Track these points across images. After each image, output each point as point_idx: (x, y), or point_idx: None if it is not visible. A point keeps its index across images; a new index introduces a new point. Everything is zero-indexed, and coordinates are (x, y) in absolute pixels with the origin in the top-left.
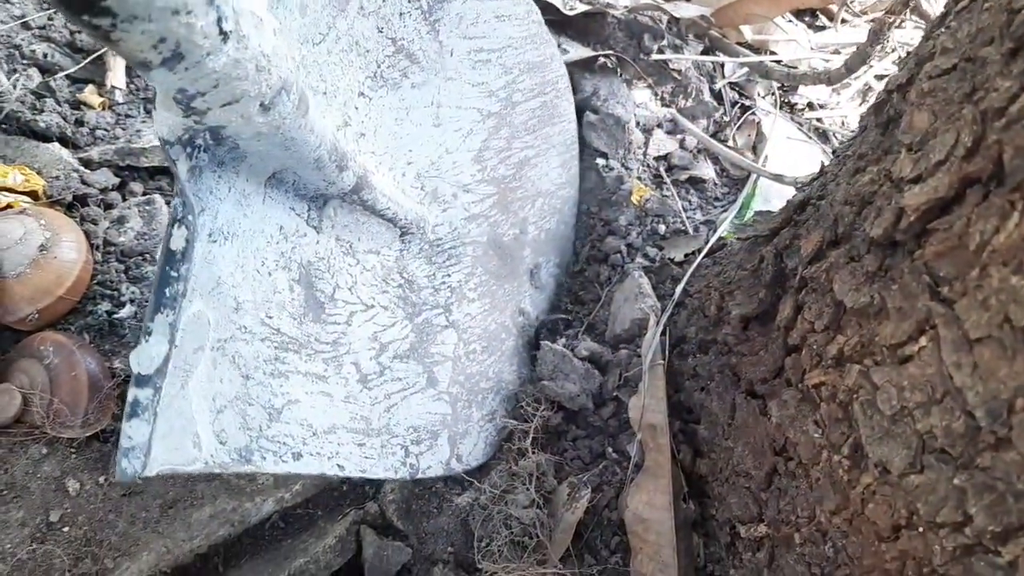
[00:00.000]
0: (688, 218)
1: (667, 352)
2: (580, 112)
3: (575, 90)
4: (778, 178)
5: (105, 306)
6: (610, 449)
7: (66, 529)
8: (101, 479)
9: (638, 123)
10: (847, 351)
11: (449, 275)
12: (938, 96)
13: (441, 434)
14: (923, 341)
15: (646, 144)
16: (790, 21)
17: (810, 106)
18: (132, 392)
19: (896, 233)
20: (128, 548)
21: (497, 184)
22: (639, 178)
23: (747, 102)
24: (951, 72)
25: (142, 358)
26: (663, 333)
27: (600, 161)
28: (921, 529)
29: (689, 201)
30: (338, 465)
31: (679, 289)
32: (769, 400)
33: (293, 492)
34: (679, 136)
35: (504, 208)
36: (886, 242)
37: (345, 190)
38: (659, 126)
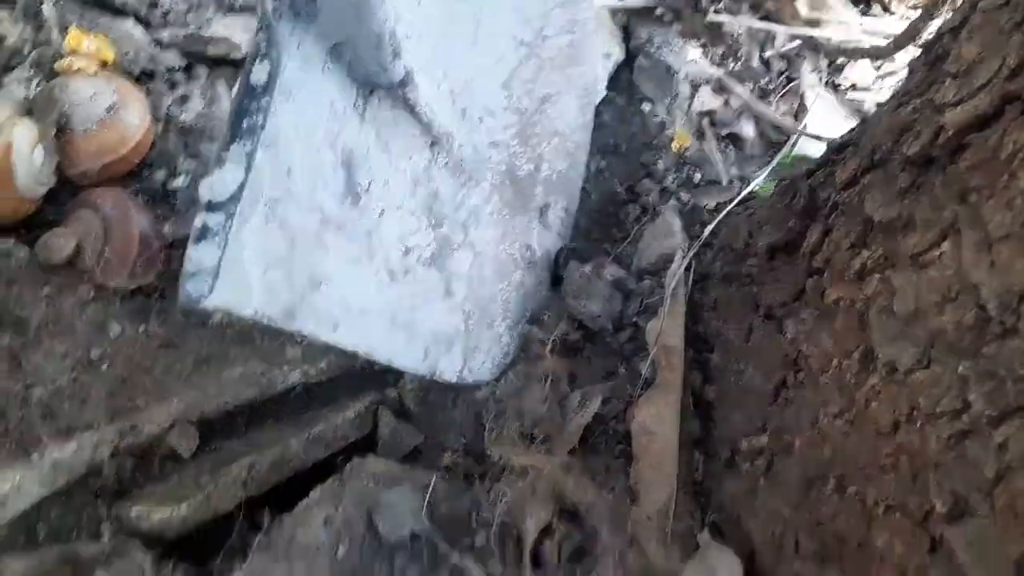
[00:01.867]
0: (724, 171)
1: (690, 285)
2: (632, 57)
3: (630, 36)
4: (818, 138)
5: (161, 174)
6: (623, 369)
7: (104, 367)
8: (141, 328)
9: (687, 77)
10: (869, 264)
11: (470, 195)
12: (988, 28)
13: (456, 343)
14: (945, 246)
15: (692, 98)
16: (845, 4)
17: (853, 87)
18: (201, 219)
19: (933, 149)
20: (160, 393)
21: (520, 115)
22: (682, 127)
23: (793, 74)
24: (1004, 6)
25: (215, 185)
26: (688, 268)
27: (646, 106)
28: (919, 422)
29: (727, 155)
30: (369, 346)
31: (708, 228)
32: (786, 320)
33: (319, 368)
34: (724, 96)
35: (524, 141)
36: (921, 160)
37: (394, 81)
38: (707, 83)
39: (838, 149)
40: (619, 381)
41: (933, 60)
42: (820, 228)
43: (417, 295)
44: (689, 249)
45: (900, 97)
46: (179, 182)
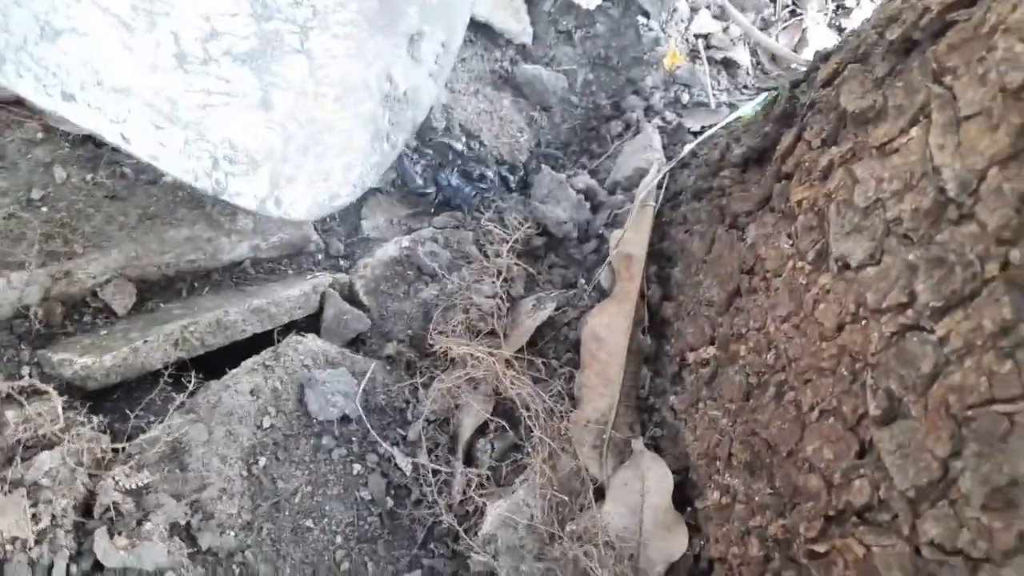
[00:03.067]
0: (713, 95)
1: (660, 202)
2: None
3: None
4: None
5: None
6: (583, 280)
7: (44, 209)
8: (88, 176)
9: None
10: (837, 160)
11: None
12: None
13: (263, 165)
14: (914, 132)
15: (691, 20)
16: None
17: None
18: None
19: (915, 32)
20: (100, 242)
21: None
22: (676, 47)
23: (798, 8)
24: None
25: None
26: (662, 186)
27: (641, 19)
28: (864, 321)
29: (718, 81)
30: (122, 135)
31: (688, 147)
32: (748, 226)
33: (270, 243)
34: (725, 23)
35: None
36: (902, 46)
37: None
38: (707, 7)
39: (825, 57)
40: (578, 290)
41: None
42: (794, 132)
43: (216, 93)
44: (667, 164)
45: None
46: None
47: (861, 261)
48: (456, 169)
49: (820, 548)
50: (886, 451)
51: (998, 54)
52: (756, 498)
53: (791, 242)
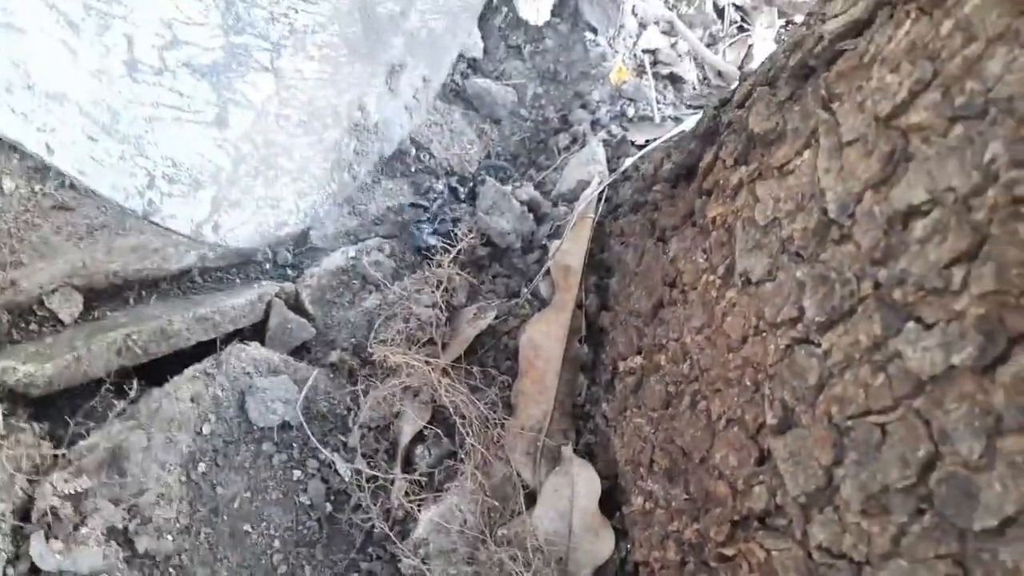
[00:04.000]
0: (659, 109)
1: (600, 213)
2: None
3: None
4: None
5: None
6: (525, 289)
7: None
8: (37, 187)
9: (635, 13)
10: (744, 179)
11: (296, 11)
12: None
13: (206, 187)
14: (806, 155)
15: (639, 36)
16: None
17: None
18: None
19: (811, 59)
20: (47, 252)
21: None
22: (623, 62)
23: (746, 25)
24: None
25: None
26: (605, 200)
27: (588, 35)
28: (763, 333)
29: (664, 96)
30: (47, 144)
31: (628, 161)
32: (671, 240)
33: (217, 253)
34: (673, 39)
35: None
36: (801, 71)
37: None
38: (656, 23)
39: (745, 78)
40: (520, 300)
41: None
42: (713, 150)
43: (165, 107)
44: (610, 177)
45: (804, 19)
46: None
47: (761, 277)
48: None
49: (728, 552)
50: (781, 459)
51: (873, 83)
52: (673, 503)
53: (705, 256)
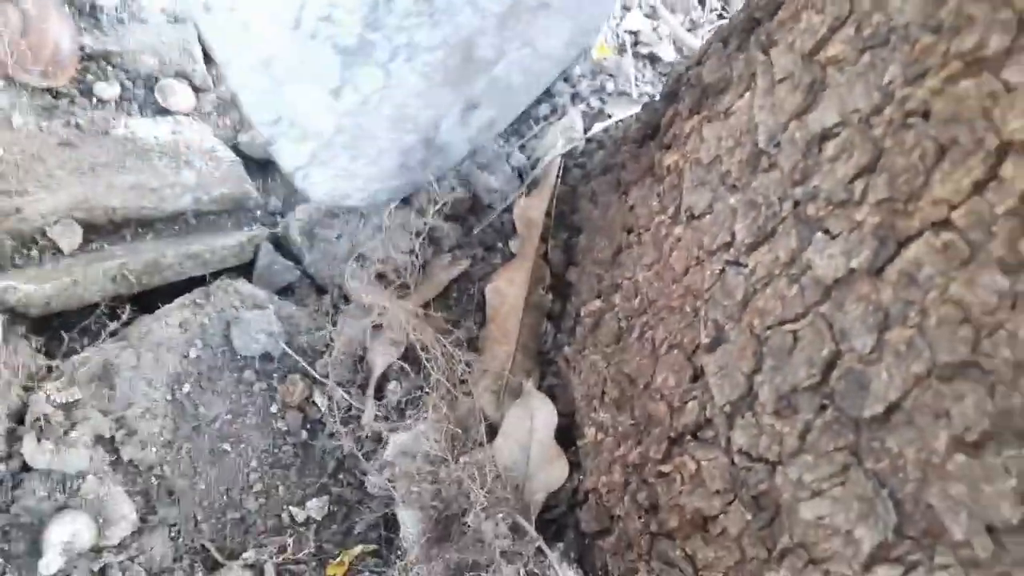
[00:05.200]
0: (636, 86)
1: (573, 179)
2: None
3: None
4: None
5: None
6: (500, 243)
7: (0, 151)
8: (44, 124)
9: None
10: (696, 125)
11: (420, 29)
12: None
13: (310, 141)
14: (746, 96)
15: (622, 18)
16: None
17: None
18: None
19: (757, 12)
20: (50, 184)
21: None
22: (605, 40)
23: (725, 13)
24: None
25: None
26: (579, 167)
27: None
28: (703, 262)
29: (643, 74)
30: (228, 65)
31: (599, 126)
32: (631, 190)
33: (211, 196)
34: (655, 23)
35: (501, 24)
36: (748, 25)
37: None
38: (639, 7)
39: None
40: (493, 253)
41: None
42: (675, 106)
43: (306, 65)
44: (573, 142)
45: None
46: (107, 0)
47: (702, 210)
48: None
49: (665, 468)
50: (711, 373)
51: (802, 25)
52: (620, 430)
53: (659, 200)
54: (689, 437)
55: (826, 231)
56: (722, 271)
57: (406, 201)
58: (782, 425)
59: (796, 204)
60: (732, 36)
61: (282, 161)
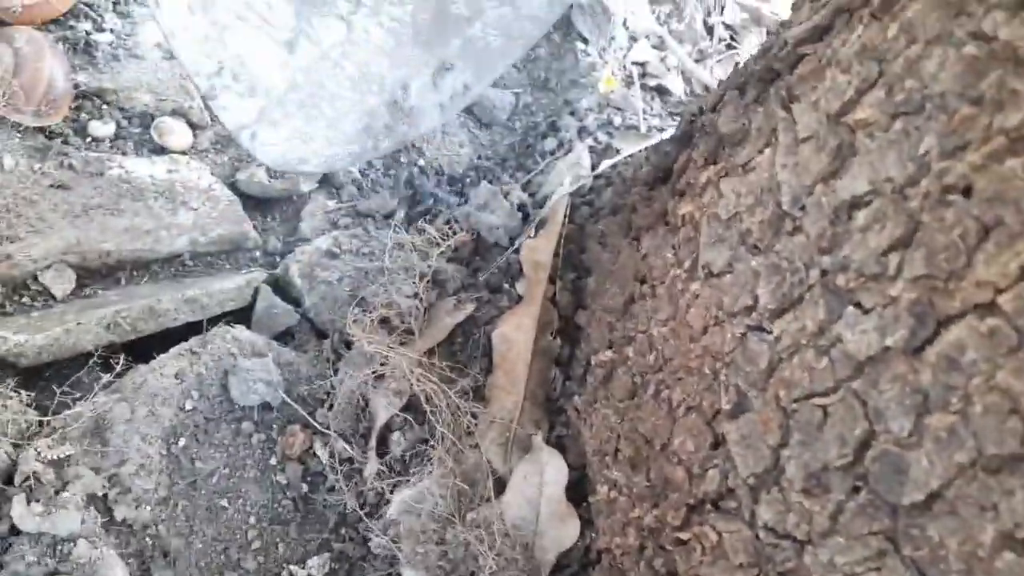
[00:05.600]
0: (645, 120)
1: (581, 217)
2: None
3: None
4: None
5: (87, 26)
6: (507, 285)
7: None
8: (36, 166)
9: (627, 27)
10: (712, 177)
11: None
12: None
13: (258, 97)
14: (766, 152)
15: (629, 48)
16: None
17: None
18: None
19: (776, 63)
20: (42, 228)
21: None
22: (613, 73)
23: (734, 43)
24: None
25: None
26: (588, 204)
27: (580, 44)
28: (722, 323)
29: (651, 106)
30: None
31: (606, 163)
32: (643, 237)
33: (208, 238)
34: (662, 53)
35: None
36: (767, 76)
37: None
38: (647, 37)
39: (721, 83)
40: (499, 295)
41: None
42: (687, 152)
43: (254, 13)
44: (580, 180)
45: (776, 27)
46: (103, 37)
47: (721, 268)
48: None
49: (683, 536)
50: (733, 442)
51: (827, 83)
52: (635, 491)
53: (674, 252)
54: (710, 506)
55: (858, 305)
56: (744, 335)
57: (424, 214)
58: (812, 504)
59: (824, 272)
60: (748, 85)
61: (225, 118)
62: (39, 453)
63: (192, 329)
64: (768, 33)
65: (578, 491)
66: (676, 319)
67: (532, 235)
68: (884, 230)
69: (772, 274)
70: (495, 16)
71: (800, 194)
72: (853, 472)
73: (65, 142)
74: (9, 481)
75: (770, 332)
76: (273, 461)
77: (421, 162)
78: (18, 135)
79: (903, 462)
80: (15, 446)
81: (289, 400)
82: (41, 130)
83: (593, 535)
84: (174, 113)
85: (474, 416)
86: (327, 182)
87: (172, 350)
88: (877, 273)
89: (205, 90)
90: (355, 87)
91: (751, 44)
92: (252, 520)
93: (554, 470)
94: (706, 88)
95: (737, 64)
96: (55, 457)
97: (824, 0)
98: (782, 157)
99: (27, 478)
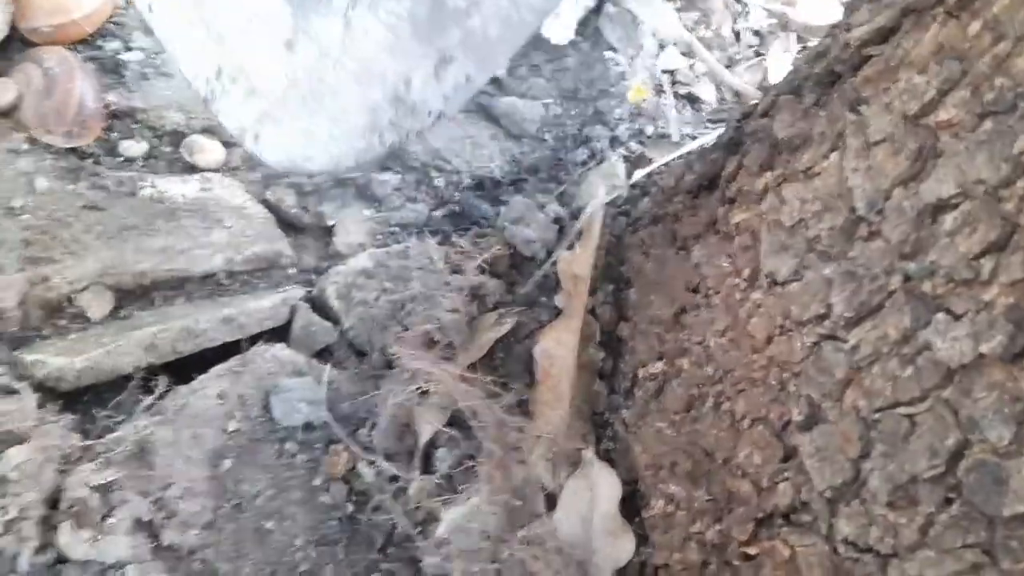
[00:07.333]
0: (677, 128)
1: (619, 227)
2: (601, 5)
3: None
4: None
5: (115, 45)
6: (544, 298)
7: (25, 216)
8: (70, 187)
9: (655, 34)
10: (771, 184)
11: None
12: None
13: (258, 98)
14: (832, 157)
15: (658, 56)
16: None
17: None
18: None
19: (838, 65)
20: (77, 250)
21: None
22: (643, 82)
23: (762, 50)
24: None
25: None
26: (624, 214)
27: (609, 54)
28: (789, 332)
29: (682, 114)
30: (149, 6)
31: (643, 171)
32: (693, 247)
33: (243, 256)
34: (691, 60)
35: None
36: (826, 78)
37: None
38: (675, 45)
39: (767, 90)
40: (538, 309)
41: None
42: (737, 159)
43: (251, 13)
44: (616, 190)
45: (828, 31)
46: (132, 56)
47: (786, 277)
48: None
49: (751, 551)
50: (807, 454)
51: (901, 85)
52: (696, 505)
53: (730, 261)
54: (781, 520)
55: (948, 311)
56: (815, 344)
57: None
58: (898, 516)
59: (907, 278)
60: (805, 89)
61: (227, 120)
62: (84, 479)
63: (230, 348)
64: (805, 47)
65: (629, 506)
66: (736, 329)
67: (569, 248)
68: (975, 233)
69: (847, 281)
70: (493, 7)
71: (876, 199)
72: (944, 483)
73: (97, 162)
74: (55, 507)
75: (846, 341)
76: (317, 481)
77: (454, 176)
78: (50, 156)
79: (1002, 472)
80: (60, 472)
81: (331, 419)
82: (73, 151)
83: (649, 551)
84: (204, 131)
85: (521, 431)
86: (359, 196)
87: (212, 370)
88: (968, 278)
89: (204, 94)
90: (357, 82)
91: (779, 50)
92: (299, 542)
93: (607, 485)
94: (737, 94)
95: (791, 68)
96: (100, 482)
97: (886, 1)
98: (852, 161)
99: (73, 504)
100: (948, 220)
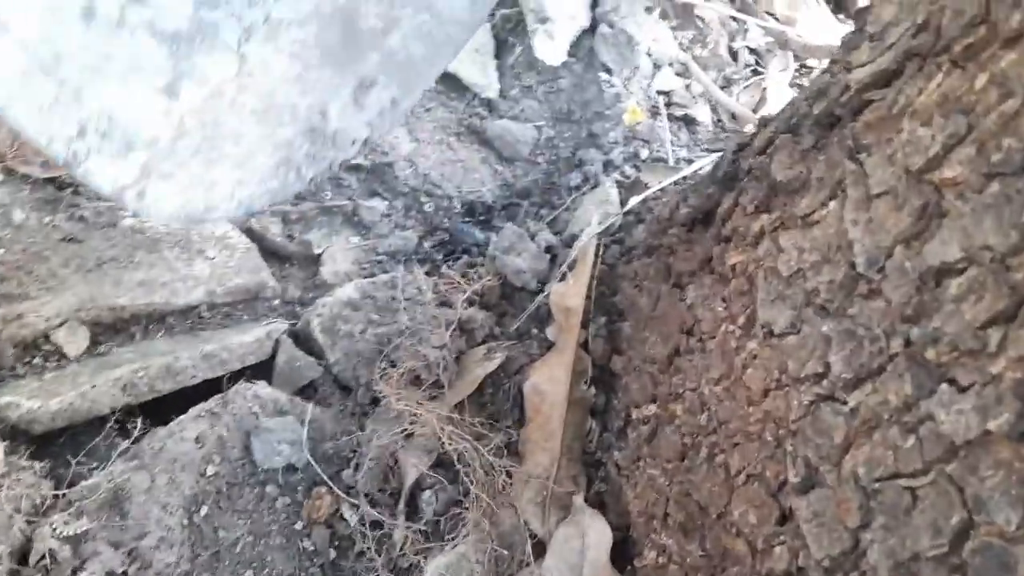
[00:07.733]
0: (672, 151)
1: (611, 256)
2: (596, 24)
3: (597, 2)
4: None
5: None
6: (535, 330)
7: (0, 251)
8: (47, 219)
9: (651, 54)
10: (767, 228)
11: (277, 1)
12: None
13: (138, 151)
14: (832, 206)
15: (653, 77)
16: (820, 5)
17: None
18: None
19: (837, 108)
20: (55, 285)
21: None
22: (637, 103)
23: (760, 68)
24: None
25: None
26: (618, 242)
27: (603, 75)
28: (786, 388)
29: (678, 137)
30: None
31: (637, 198)
32: (688, 286)
33: (225, 288)
34: (687, 81)
35: None
36: (826, 120)
37: None
38: (670, 65)
39: (765, 123)
40: (529, 342)
41: (860, 27)
42: (733, 196)
43: (116, 63)
44: (609, 218)
45: (827, 66)
46: None
47: (783, 329)
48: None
49: None
50: (804, 519)
51: (904, 136)
52: (688, 559)
53: (725, 305)
54: None
55: (952, 381)
56: (813, 404)
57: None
58: None
59: (909, 343)
60: (803, 129)
61: (96, 181)
62: (55, 529)
63: (211, 384)
64: (803, 66)
65: (621, 552)
66: (731, 378)
67: (561, 279)
68: (982, 302)
69: (846, 340)
70: (413, 25)
71: (877, 255)
72: (948, 563)
73: (76, 193)
74: (24, 560)
75: (845, 403)
76: (299, 526)
77: (444, 201)
78: (27, 187)
79: (1010, 557)
80: (29, 522)
81: (314, 461)
82: (51, 181)
83: None
84: None
85: (509, 475)
86: (347, 223)
87: (191, 411)
88: (974, 348)
89: (65, 159)
90: (261, 121)
91: (777, 69)
92: None
93: (597, 533)
94: (733, 116)
95: (789, 103)
96: (72, 533)
97: (890, 42)
98: (852, 212)
99: (43, 557)
100: (953, 285)
